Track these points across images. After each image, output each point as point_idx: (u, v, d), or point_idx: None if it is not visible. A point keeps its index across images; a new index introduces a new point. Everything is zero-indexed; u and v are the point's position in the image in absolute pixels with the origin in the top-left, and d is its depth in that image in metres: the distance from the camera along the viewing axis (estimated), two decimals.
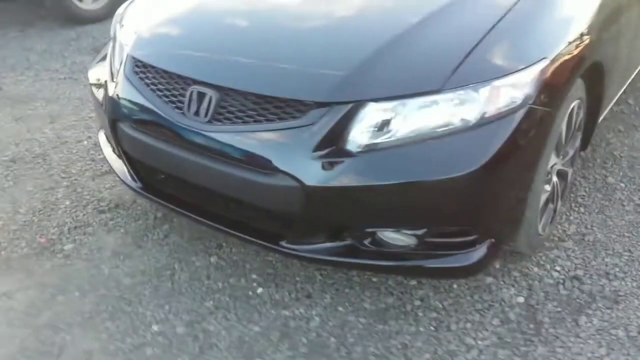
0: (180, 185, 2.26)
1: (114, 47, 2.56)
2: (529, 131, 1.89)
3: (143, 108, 2.20)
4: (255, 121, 1.94)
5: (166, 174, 2.27)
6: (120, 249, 2.60)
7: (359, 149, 1.83)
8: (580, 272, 2.43)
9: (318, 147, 1.85)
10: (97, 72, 2.62)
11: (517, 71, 1.87)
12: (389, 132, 1.84)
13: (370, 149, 1.83)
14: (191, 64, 2.15)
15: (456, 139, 1.82)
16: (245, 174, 1.97)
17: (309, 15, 2.25)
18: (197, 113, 2.04)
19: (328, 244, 2.00)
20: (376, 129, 1.84)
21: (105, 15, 5.45)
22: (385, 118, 1.84)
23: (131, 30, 2.46)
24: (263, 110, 1.94)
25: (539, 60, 1.92)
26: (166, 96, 2.14)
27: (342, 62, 1.93)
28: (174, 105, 2.11)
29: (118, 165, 2.54)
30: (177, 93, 2.11)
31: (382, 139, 1.83)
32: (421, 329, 2.19)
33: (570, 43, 2.04)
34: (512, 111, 1.85)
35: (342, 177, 1.83)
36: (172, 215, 2.77)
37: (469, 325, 2.20)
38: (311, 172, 1.85)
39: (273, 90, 1.94)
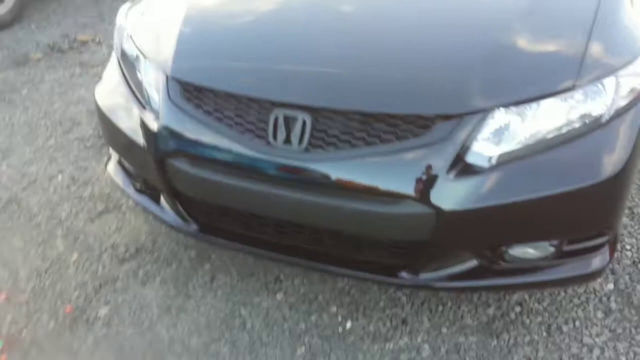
0: (255, 222, 1.96)
1: (128, 65, 2.15)
2: None
3: (207, 140, 1.85)
4: (367, 144, 1.69)
5: (239, 212, 1.95)
6: (168, 303, 2.25)
7: (493, 162, 1.65)
8: None
9: (451, 166, 1.63)
10: (110, 95, 2.20)
11: (635, 59, 1.76)
12: (519, 138, 1.66)
13: (504, 161, 1.65)
14: (269, 82, 1.82)
15: (592, 139, 1.69)
16: (357, 205, 1.73)
17: (401, 14, 1.98)
18: (287, 141, 1.74)
19: (452, 269, 1.81)
20: (506, 137, 1.66)
21: (12, 20, 4.73)
22: (514, 124, 1.66)
23: (159, 43, 2.07)
24: (375, 130, 1.69)
25: None
26: (240, 124, 1.81)
27: (463, 66, 1.72)
28: (253, 134, 1.79)
29: (156, 206, 2.17)
30: (254, 120, 1.80)
31: (513, 147, 1.66)
32: (535, 336, 2.07)
33: None
34: (637, 100, 1.75)
35: (480, 196, 1.64)
36: (208, 253, 2.44)
37: (577, 323, 2.12)
38: (446, 195, 1.65)
39: (385, 106, 1.69)
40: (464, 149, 1.64)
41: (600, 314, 2.15)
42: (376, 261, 1.88)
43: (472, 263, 1.81)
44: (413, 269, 1.82)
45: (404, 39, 1.85)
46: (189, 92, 1.91)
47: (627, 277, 2.30)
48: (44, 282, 2.37)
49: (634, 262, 2.36)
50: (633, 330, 2.08)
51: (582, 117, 1.68)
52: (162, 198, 2.16)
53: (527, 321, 2.12)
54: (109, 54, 4.26)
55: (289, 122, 1.74)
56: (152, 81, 2.02)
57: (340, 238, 1.86)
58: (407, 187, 1.66)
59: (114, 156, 2.38)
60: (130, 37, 2.18)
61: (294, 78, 1.81)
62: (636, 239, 2.48)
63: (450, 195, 1.64)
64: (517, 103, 1.66)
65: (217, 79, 1.88)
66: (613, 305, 2.18)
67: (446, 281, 1.82)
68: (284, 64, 1.85)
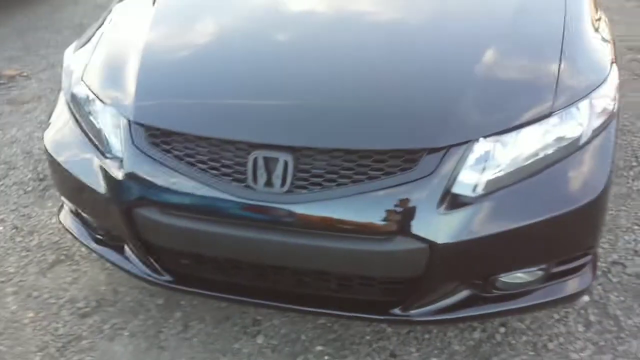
0: (234, 268, 1.85)
1: (80, 110, 2.01)
2: (617, 135, 1.84)
3: (179, 187, 1.74)
4: (354, 182, 1.63)
5: (218, 259, 1.85)
6: (141, 358, 2.10)
7: (481, 192, 1.62)
8: (615, 257, 2.47)
9: (441, 199, 1.60)
10: (62, 142, 2.04)
11: (603, 82, 1.80)
12: (503, 166, 1.65)
13: (491, 190, 1.63)
14: (244, 122, 1.73)
15: (573, 161, 1.71)
16: (348, 245, 1.66)
17: (379, 44, 1.94)
18: (269, 183, 1.66)
19: (444, 301, 1.77)
20: (490, 165, 1.64)
21: None
22: (497, 152, 1.65)
23: (116, 84, 1.94)
24: (361, 167, 1.63)
25: (610, 69, 1.87)
26: (215, 168, 1.71)
27: (446, 98, 1.70)
28: (231, 178, 1.70)
29: (120, 257, 2.02)
30: (231, 163, 1.70)
31: (498, 175, 1.64)
32: (524, 357, 2.06)
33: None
34: (609, 120, 1.78)
35: (473, 227, 1.62)
36: (176, 299, 2.31)
37: (562, 339, 2.14)
38: (439, 229, 1.61)
39: (371, 142, 1.64)
40: (452, 180, 1.62)
41: (581, 328, 2.17)
42: (364, 299, 1.82)
43: (464, 293, 1.78)
44: (405, 305, 1.76)
45: (383, 71, 1.81)
46: (155, 137, 1.79)
47: (599, 287, 2.33)
48: (0, 347, 2.16)
49: (603, 272, 2.41)
50: (614, 341, 2.11)
51: (561, 140, 1.69)
52: (126, 248, 2.01)
53: (514, 342, 2.12)
54: (40, 89, 4.05)
55: (269, 164, 1.66)
56: (111, 127, 1.89)
57: (327, 278, 1.79)
58: (398, 224, 1.61)
59: (67, 206, 2.21)
60: (82, 79, 2.03)
61: (272, 116, 1.73)
62: (602, 248, 2.53)
63: (443, 228, 1.61)
64: (500, 132, 1.65)
65: (186, 122, 1.77)
66: (592, 318, 2.20)
67: (439, 314, 1.78)
68: (260, 102, 1.77)
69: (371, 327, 2.18)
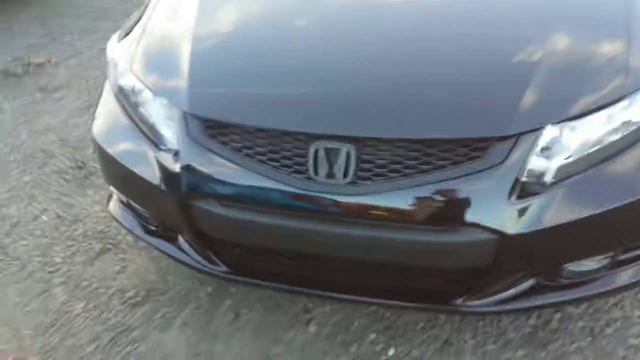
0: (292, 260, 1.84)
1: (129, 102, 1.98)
2: None
3: (238, 179, 1.72)
4: (420, 172, 1.59)
5: (276, 251, 1.83)
6: (195, 349, 2.10)
7: (552, 180, 1.58)
8: None
9: (511, 188, 1.56)
10: (112, 135, 2.02)
11: None
12: (575, 152, 1.61)
13: (563, 177, 1.59)
14: (304, 113, 1.70)
15: None
16: (413, 236, 1.63)
17: (440, 31, 1.88)
18: (330, 175, 1.63)
19: (510, 291, 1.74)
20: (561, 152, 1.60)
21: None
22: (568, 138, 1.60)
23: (168, 75, 1.91)
24: (426, 157, 1.60)
25: None
26: (275, 160, 1.68)
27: (513, 83, 1.65)
28: (291, 170, 1.67)
29: (174, 248, 2.01)
30: (291, 154, 1.67)
31: (570, 161, 1.60)
32: (582, 343, 2.05)
33: None
34: None
35: (544, 216, 1.58)
36: (226, 288, 2.30)
37: (619, 324, 2.11)
38: (510, 219, 1.57)
39: (437, 132, 1.60)
40: (521, 169, 1.57)
41: (638, 312, 2.14)
42: (426, 289, 1.80)
43: (529, 283, 1.75)
44: (469, 295, 1.74)
45: (446, 58, 1.76)
46: (212, 128, 1.76)
47: None
48: (51, 339, 2.17)
49: None
50: None
51: (631, 124, 1.64)
52: (180, 239, 2.00)
53: (570, 327, 2.09)
54: (70, 76, 4.02)
55: (330, 154, 1.63)
56: (164, 118, 1.86)
57: (388, 269, 1.77)
58: (466, 214, 1.58)
59: (116, 196, 2.20)
60: (130, 70, 2.00)
61: (333, 106, 1.69)
62: None
63: (513, 218, 1.57)
64: (569, 118, 1.60)
65: (244, 114, 1.74)
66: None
67: (502, 304, 1.75)
68: (320, 91, 1.73)
69: (424, 315, 2.17)
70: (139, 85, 1.95)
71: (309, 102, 1.71)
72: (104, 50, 4.29)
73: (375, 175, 1.61)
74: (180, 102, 1.81)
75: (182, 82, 1.85)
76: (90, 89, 3.84)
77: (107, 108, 2.10)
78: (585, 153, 1.61)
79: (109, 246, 2.55)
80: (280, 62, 1.85)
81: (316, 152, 1.63)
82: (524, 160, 1.57)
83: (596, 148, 1.60)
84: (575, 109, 1.61)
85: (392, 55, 1.79)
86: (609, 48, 1.74)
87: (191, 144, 1.77)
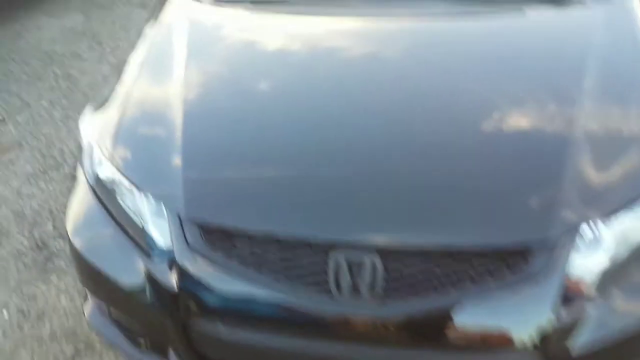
0: None
1: (110, 197, 1.73)
2: None
3: (245, 295, 1.51)
4: (455, 287, 1.41)
5: None
6: None
7: (600, 284, 1.43)
8: None
9: (558, 298, 1.40)
10: (89, 233, 1.77)
11: None
12: (617, 251, 1.46)
13: (612, 280, 1.44)
14: (321, 217, 1.50)
15: None
16: (453, 358, 1.45)
17: (458, 118, 1.71)
18: (354, 290, 1.43)
19: None
20: (603, 253, 1.45)
21: None
22: (609, 237, 1.46)
23: (157, 168, 1.68)
24: (463, 269, 1.43)
25: None
26: (288, 272, 1.48)
27: (549, 180, 1.51)
28: (307, 285, 1.47)
29: None
30: (307, 265, 1.47)
31: (614, 262, 1.45)
32: None
33: None
34: None
35: (598, 329, 1.43)
36: None
37: None
38: (560, 336, 1.42)
39: (474, 239, 1.44)
40: (566, 275, 1.41)
41: None
42: None
43: None
44: None
45: (473, 151, 1.59)
46: (214, 235, 1.54)
47: None
48: None
49: None
50: None
51: None
52: (171, 353, 1.76)
53: None
54: (20, 134, 3.70)
55: (353, 267, 1.43)
56: (154, 220, 1.63)
57: None
58: (511, 333, 1.42)
59: (93, 301, 1.94)
60: (110, 161, 1.75)
61: (354, 209, 1.51)
62: None
63: (562, 334, 1.41)
64: (611, 214, 1.46)
65: (250, 218, 1.53)
66: None
67: None
68: (337, 190, 1.54)
69: None
70: (120, 179, 1.71)
71: (324, 204, 1.53)
72: (53, 102, 4.02)
73: (406, 291, 1.43)
74: (175, 205, 1.58)
75: (175, 179, 1.63)
76: (42, 149, 3.53)
77: (82, 201, 1.85)
78: (633, 252, 1.46)
79: (82, 347, 2.27)
80: (289, 155, 1.66)
81: (336, 263, 1.44)
82: (566, 265, 1.41)
83: None
84: (615, 205, 1.48)
85: (417, 147, 1.63)
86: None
87: (189, 254, 1.55)
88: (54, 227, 2.90)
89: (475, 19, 2.06)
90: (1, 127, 3.81)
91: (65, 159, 3.42)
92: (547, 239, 1.42)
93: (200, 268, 1.53)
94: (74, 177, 3.14)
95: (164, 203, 1.60)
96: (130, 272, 1.65)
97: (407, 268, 1.43)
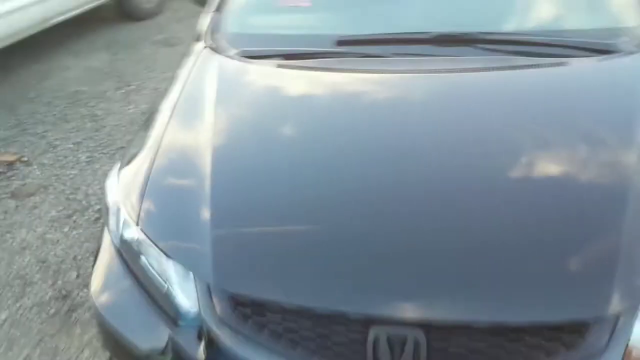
0: None
1: (136, 261, 1.68)
2: None
3: None
4: None
5: None
6: None
7: None
8: None
9: None
10: (114, 298, 1.72)
11: None
12: None
13: None
14: (357, 289, 1.42)
15: None
16: None
17: (509, 179, 1.63)
18: None
19: None
20: None
21: None
22: None
23: (186, 234, 1.62)
24: (515, 346, 1.33)
25: None
26: (325, 349, 1.39)
27: (607, 252, 1.41)
28: None
29: None
30: (344, 341, 1.39)
31: None
32: None
33: None
34: None
35: None
36: None
37: None
38: None
39: (524, 314, 1.35)
40: (629, 350, 1.32)
41: None
42: None
43: None
44: None
45: (526, 215, 1.51)
46: (245, 307, 1.47)
47: None
48: None
49: None
50: None
51: None
52: None
53: None
54: (45, 177, 3.68)
55: (394, 343, 1.35)
56: (182, 288, 1.56)
57: None
58: None
59: None
60: (136, 223, 1.70)
61: (394, 281, 1.41)
62: None
63: None
64: None
65: (285, 290, 1.46)
66: None
67: None
68: (377, 258, 1.45)
69: None
70: (147, 244, 1.65)
71: (365, 273, 1.44)
72: (79, 143, 4.01)
73: None
74: (204, 273, 1.52)
75: (203, 246, 1.55)
76: (67, 192, 3.50)
77: (108, 264, 1.80)
78: None
79: None
80: (323, 217, 1.58)
81: (376, 340, 1.35)
82: (628, 338, 1.31)
83: None
84: None
85: (461, 210, 1.54)
86: None
87: (220, 326, 1.48)
88: (78, 275, 2.85)
89: (519, 72, 1.98)
90: (26, 170, 3.80)
91: (90, 202, 3.39)
92: (606, 314, 1.32)
93: (229, 341, 1.46)
94: (97, 220, 3.14)
95: (193, 270, 1.54)
96: (153, 338, 1.58)
97: (453, 346, 1.34)
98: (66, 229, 3.17)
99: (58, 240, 3.10)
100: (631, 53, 1.98)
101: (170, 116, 1.99)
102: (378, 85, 2.04)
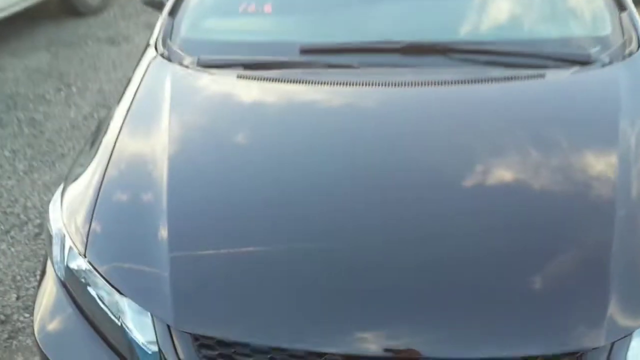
0: None
1: (84, 294, 1.52)
2: None
3: None
4: None
5: None
6: None
7: None
8: None
9: None
10: (61, 340, 1.55)
11: None
12: None
13: None
14: (331, 326, 1.31)
15: None
16: None
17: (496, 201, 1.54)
18: None
19: None
20: None
21: None
22: None
23: (140, 266, 1.47)
24: None
25: None
26: None
27: (598, 281, 1.34)
28: None
29: None
30: None
31: None
32: None
33: None
34: None
35: None
36: None
37: None
38: None
39: (516, 347, 1.28)
40: None
41: None
42: None
43: None
44: None
45: (515, 244, 1.43)
46: (210, 348, 1.33)
47: None
48: None
49: None
50: None
51: None
52: None
53: None
54: None
55: None
56: (137, 326, 1.41)
57: None
58: None
59: None
60: (85, 255, 1.53)
61: (373, 316, 1.31)
62: None
63: None
64: None
65: (252, 328, 1.34)
66: None
67: None
68: (353, 291, 1.35)
69: None
70: (96, 278, 1.49)
71: (336, 310, 1.33)
72: (16, 151, 3.74)
73: None
74: (162, 313, 1.36)
75: (161, 279, 1.41)
76: (4, 206, 3.26)
77: (52, 301, 1.61)
78: None
79: None
80: (290, 241, 1.46)
81: None
82: None
83: None
84: None
85: (444, 239, 1.44)
86: None
87: None
88: (18, 297, 2.63)
89: (496, 85, 1.90)
90: None
91: (30, 216, 3.16)
92: (600, 347, 1.26)
93: None
94: (38, 236, 2.91)
95: (151, 309, 1.38)
96: None
97: None
98: (3, 246, 2.93)
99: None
100: (605, 65, 1.92)
101: (119, 133, 1.82)
102: (342, 98, 1.92)
